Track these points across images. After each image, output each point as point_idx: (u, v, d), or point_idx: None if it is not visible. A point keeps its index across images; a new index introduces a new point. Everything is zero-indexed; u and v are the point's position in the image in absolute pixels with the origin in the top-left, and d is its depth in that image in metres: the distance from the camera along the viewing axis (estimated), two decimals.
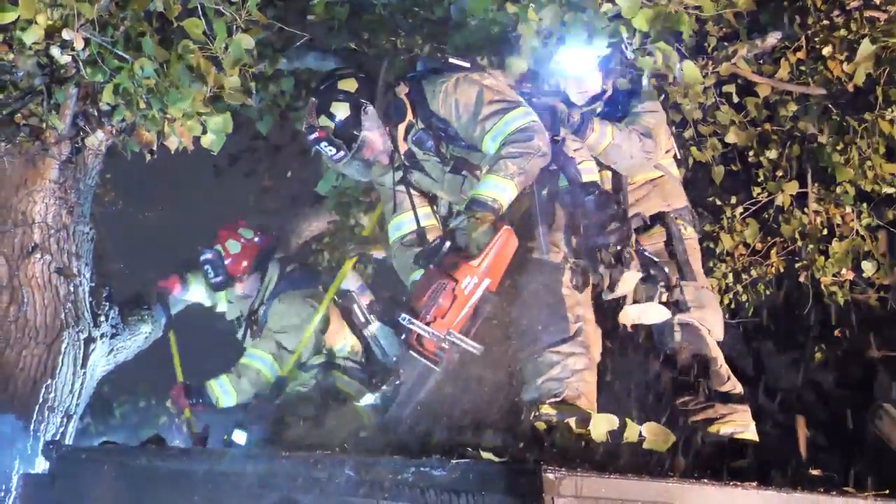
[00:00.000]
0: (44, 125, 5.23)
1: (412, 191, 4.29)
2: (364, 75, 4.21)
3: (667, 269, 4.10)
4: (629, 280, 3.88)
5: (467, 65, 4.19)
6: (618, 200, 4.04)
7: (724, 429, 4.13)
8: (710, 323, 4.26)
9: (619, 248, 3.85)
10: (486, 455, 3.13)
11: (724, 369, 4.23)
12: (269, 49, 5.81)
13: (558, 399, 3.75)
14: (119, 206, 6.76)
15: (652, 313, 4.06)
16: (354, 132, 4.06)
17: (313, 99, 4.18)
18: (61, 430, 5.76)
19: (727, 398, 4.17)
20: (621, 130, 4.34)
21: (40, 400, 5.69)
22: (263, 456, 3.84)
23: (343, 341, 5.61)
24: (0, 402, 5.64)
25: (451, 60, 4.25)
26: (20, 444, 5.47)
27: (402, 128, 4.16)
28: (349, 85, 4.14)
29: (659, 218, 4.40)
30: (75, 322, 5.93)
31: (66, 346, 5.82)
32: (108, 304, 6.20)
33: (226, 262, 5.48)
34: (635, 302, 4.02)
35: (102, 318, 6.12)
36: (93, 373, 6.04)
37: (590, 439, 3.46)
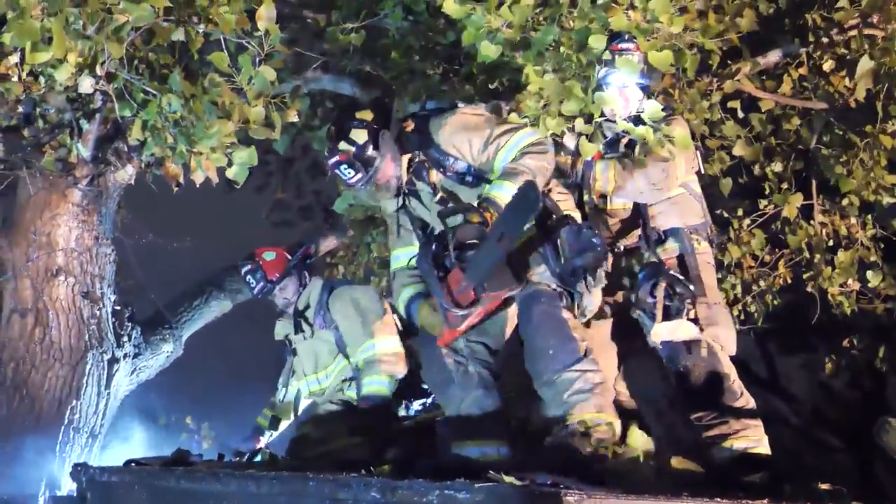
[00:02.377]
0: (71, 153, 5.37)
1: (410, 220, 4.49)
2: (378, 106, 4.46)
3: (692, 287, 4.22)
4: (595, 299, 4.08)
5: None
6: (592, 228, 4.17)
7: (738, 444, 4.20)
8: (723, 339, 4.36)
9: (592, 270, 4.02)
10: (508, 479, 3.25)
11: (738, 385, 4.31)
12: (283, 72, 5.92)
13: (587, 407, 3.88)
14: (149, 238, 6.82)
15: (681, 331, 4.19)
16: (372, 156, 4.30)
17: (331, 126, 4.41)
18: (86, 450, 5.89)
19: (740, 413, 4.24)
20: (625, 168, 4.43)
21: (65, 421, 5.84)
22: (292, 477, 3.95)
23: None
24: (26, 423, 5.79)
25: (459, 105, 4.49)
26: (46, 466, 5.60)
27: (405, 159, 4.39)
28: (366, 115, 4.38)
29: (673, 233, 4.50)
30: (99, 343, 6.07)
31: (90, 367, 5.97)
32: (130, 324, 6.34)
33: (265, 271, 5.63)
34: (664, 320, 4.17)
35: (125, 339, 6.27)
36: (116, 393, 6.18)
37: (617, 454, 3.59)
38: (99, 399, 5.98)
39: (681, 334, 4.20)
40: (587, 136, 4.42)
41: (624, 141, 4.55)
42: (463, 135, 4.28)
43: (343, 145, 4.29)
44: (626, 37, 4.54)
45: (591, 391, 3.90)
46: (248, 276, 5.70)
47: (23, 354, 5.93)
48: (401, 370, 5.32)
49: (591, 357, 4.03)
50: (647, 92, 4.67)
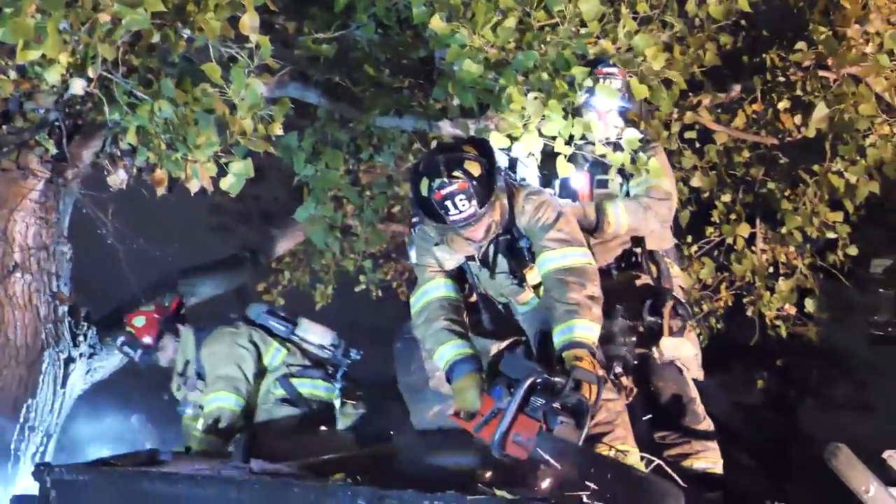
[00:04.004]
0: (48, 152, 5.32)
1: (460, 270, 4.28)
2: (480, 147, 4.06)
3: (691, 309, 4.40)
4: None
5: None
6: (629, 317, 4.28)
7: (698, 464, 4.41)
8: (689, 363, 4.57)
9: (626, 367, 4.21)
10: (500, 492, 3.37)
11: (701, 409, 4.52)
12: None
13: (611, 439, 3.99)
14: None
15: (683, 348, 4.37)
16: (489, 190, 3.85)
17: (437, 155, 3.94)
18: (41, 449, 5.82)
19: (701, 436, 4.46)
20: (634, 212, 4.50)
21: (21, 419, 5.76)
22: (275, 483, 3.98)
23: (272, 354, 5.75)
24: None
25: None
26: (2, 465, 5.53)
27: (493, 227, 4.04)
28: (475, 167, 3.89)
29: (650, 256, 4.60)
30: (55, 342, 6.00)
31: (46, 366, 5.90)
32: (86, 324, 6.27)
33: (139, 339, 5.67)
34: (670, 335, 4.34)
35: (81, 338, 6.20)
36: (71, 392, 6.12)
37: None
38: (55, 398, 5.92)
39: (683, 352, 4.38)
40: (566, 156, 4.56)
41: (614, 170, 4.60)
42: (536, 219, 4.04)
43: (458, 174, 3.81)
44: (611, 62, 4.65)
45: (613, 422, 4.00)
46: (126, 348, 5.75)
47: None
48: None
49: (609, 385, 4.07)
50: (626, 117, 4.79)
